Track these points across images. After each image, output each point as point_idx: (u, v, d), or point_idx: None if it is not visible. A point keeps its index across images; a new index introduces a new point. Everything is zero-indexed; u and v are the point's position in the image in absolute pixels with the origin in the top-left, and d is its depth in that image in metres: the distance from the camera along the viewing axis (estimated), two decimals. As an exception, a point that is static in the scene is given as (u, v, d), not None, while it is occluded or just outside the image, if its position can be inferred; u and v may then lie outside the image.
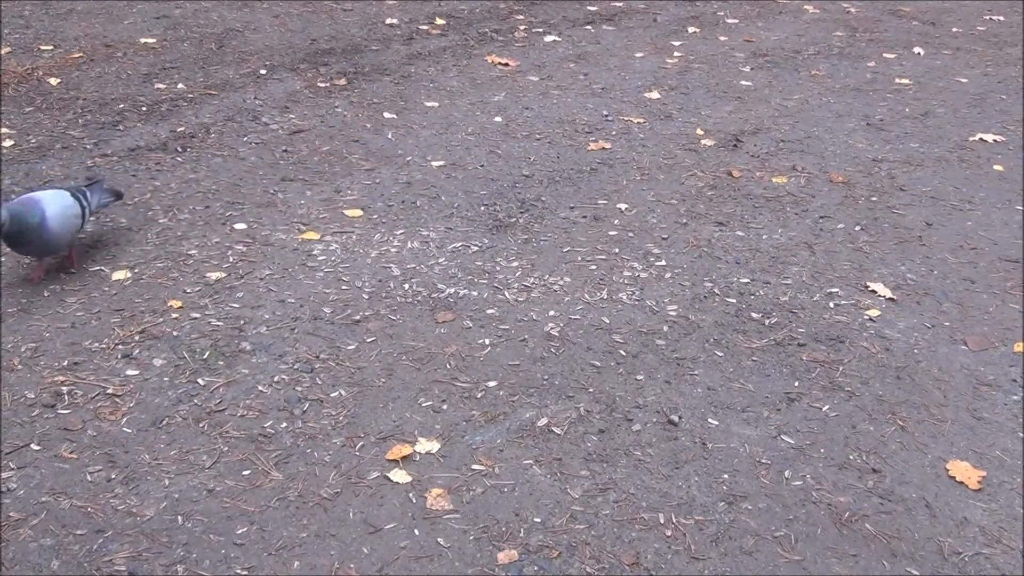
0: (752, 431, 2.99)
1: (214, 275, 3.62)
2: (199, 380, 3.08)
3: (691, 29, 6.82)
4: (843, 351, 3.39)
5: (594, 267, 3.83)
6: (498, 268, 3.78)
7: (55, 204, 3.42)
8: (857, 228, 4.23)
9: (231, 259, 3.74)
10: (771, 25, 7.06)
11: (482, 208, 4.24)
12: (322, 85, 5.44)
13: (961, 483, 2.83)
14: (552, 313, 3.52)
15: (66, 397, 2.97)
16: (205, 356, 3.19)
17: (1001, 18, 7.50)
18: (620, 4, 7.30)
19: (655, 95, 5.59)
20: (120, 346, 3.21)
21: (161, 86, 5.25)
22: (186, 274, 3.62)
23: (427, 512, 2.63)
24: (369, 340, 3.31)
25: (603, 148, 4.89)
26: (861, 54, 6.52)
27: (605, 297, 3.63)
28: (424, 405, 3.03)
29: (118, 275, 3.59)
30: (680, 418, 3.02)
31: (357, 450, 2.84)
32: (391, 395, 3.06)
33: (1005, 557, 2.60)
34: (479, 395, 3.09)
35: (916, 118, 5.47)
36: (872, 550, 2.60)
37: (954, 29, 7.18)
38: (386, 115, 5.13)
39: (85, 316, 3.35)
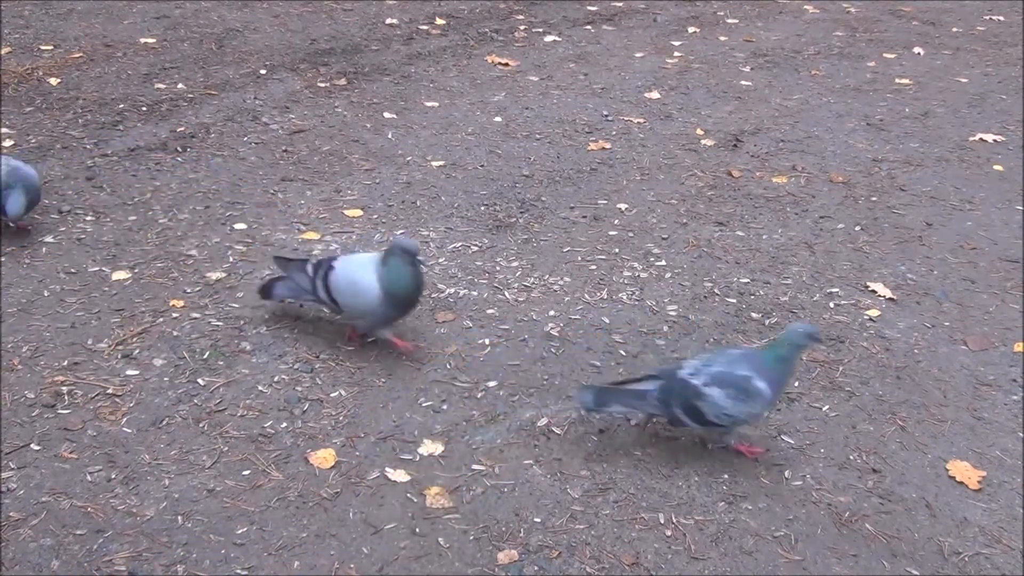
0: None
1: (214, 275, 3.62)
2: (199, 380, 3.07)
3: (691, 29, 6.82)
4: (843, 351, 3.39)
5: (594, 267, 3.82)
6: (498, 268, 3.78)
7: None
8: (857, 228, 4.23)
9: (231, 259, 3.74)
10: (771, 25, 7.06)
11: (482, 208, 4.24)
12: (322, 85, 5.44)
13: (961, 483, 2.84)
14: (552, 313, 3.52)
15: (66, 397, 2.97)
16: (205, 356, 3.19)
17: (1001, 18, 7.50)
18: (620, 4, 7.30)
19: (655, 95, 5.59)
20: (120, 346, 3.21)
21: (161, 86, 5.25)
22: (186, 274, 3.62)
23: (427, 512, 2.63)
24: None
25: (603, 148, 4.89)
26: (861, 54, 6.52)
27: (605, 297, 3.63)
28: (424, 405, 3.02)
29: (118, 275, 3.58)
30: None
31: (357, 450, 2.84)
32: (391, 395, 3.06)
33: (1005, 557, 2.60)
34: (479, 395, 3.09)
35: (916, 118, 5.47)
36: (872, 550, 2.60)
37: (954, 29, 7.18)
38: (386, 115, 5.13)
39: (85, 316, 3.35)
